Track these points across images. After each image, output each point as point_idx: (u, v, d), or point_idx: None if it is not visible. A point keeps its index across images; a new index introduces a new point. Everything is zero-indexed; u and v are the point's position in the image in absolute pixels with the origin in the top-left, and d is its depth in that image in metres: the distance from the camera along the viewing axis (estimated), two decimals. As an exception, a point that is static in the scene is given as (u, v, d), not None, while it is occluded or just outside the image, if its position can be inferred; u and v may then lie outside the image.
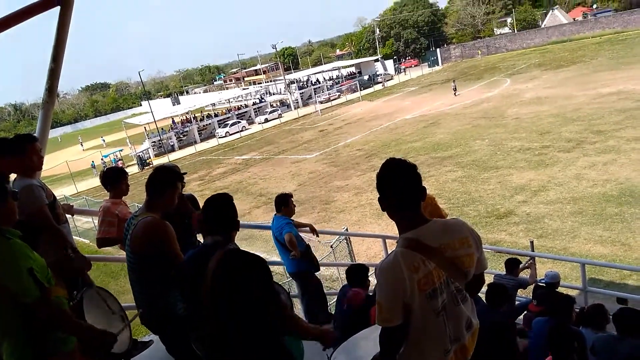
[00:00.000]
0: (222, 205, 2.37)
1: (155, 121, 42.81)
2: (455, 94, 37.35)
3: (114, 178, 4.06)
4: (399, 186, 2.00)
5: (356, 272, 4.45)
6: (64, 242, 3.18)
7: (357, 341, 2.83)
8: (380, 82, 58.15)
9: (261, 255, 2.29)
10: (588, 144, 18.25)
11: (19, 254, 2.03)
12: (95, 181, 35.53)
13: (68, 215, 3.85)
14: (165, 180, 2.92)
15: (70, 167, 35.56)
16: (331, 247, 9.57)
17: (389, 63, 66.84)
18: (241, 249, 2.33)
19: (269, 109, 50.55)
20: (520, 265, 6.56)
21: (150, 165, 36.22)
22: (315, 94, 54.56)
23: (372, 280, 5.03)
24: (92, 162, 39.52)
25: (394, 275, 1.91)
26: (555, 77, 35.82)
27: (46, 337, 2.12)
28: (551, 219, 12.75)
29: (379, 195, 2.07)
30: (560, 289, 5.88)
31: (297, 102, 53.46)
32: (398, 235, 2.06)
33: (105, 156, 40.78)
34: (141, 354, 3.65)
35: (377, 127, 32.04)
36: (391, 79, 60.85)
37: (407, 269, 1.90)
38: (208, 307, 2.18)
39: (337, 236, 9.69)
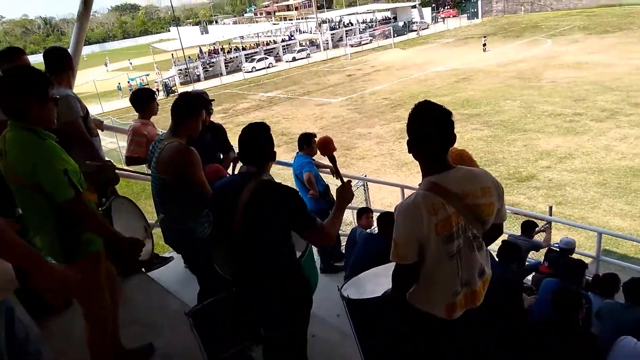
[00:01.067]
0: (259, 134, 2.34)
1: (182, 49, 42.35)
2: (484, 49, 36.03)
3: (144, 98, 4.08)
4: (430, 129, 1.99)
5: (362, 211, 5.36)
6: (96, 154, 3.26)
7: (368, 277, 2.91)
8: (415, 30, 55.95)
9: None
10: (623, 116, 17.62)
11: (54, 154, 2.07)
12: (121, 103, 35.85)
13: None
14: (190, 107, 2.93)
15: (97, 87, 35.79)
16: (348, 191, 9.63)
17: (427, 11, 63.91)
18: (274, 180, 2.34)
19: (298, 48, 49.47)
20: (536, 229, 6.56)
21: (176, 93, 36.24)
22: (346, 36, 52.96)
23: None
24: (119, 84, 39.66)
25: (413, 215, 1.94)
26: (598, 42, 34.07)
27: (76, 238, 2.20)
28: (573, 187, 12.57)
29: (407, 138, 2.06)
30: (573, 256, 5.88)
31: (327, 43, 52.12)
32: (417, 186, 2.07)
33: (132, 79, 40.81)
34: (161, 268, 3.83)
35: (407, 77, 31.26)
36: (427, 27, 58.38)
37: (426, 210, 1.92)
38: (238, 235, 2.24)
39: (356, 182, 9.73)
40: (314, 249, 5.39)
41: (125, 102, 35.64)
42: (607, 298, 4.15)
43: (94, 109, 31.94)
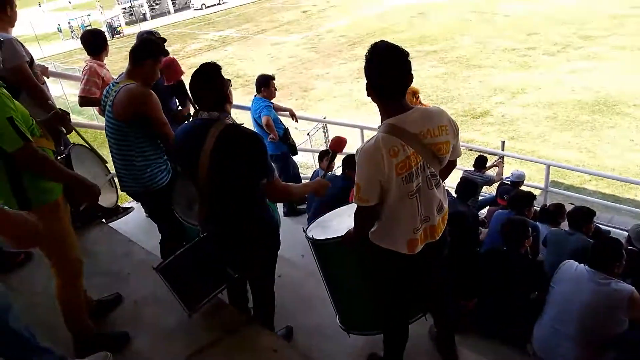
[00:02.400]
0: (212, 76, 2.24)
1: (125, -15, 39.59)
2: None
3: (97, 38, 3.93)
4: (388, 71, 1.98)
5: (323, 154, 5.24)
6: (46, 100, 3.11)
7: (332, 217, 2.99)
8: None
9: None
10: (573, 49, 18.04)
11: None
12: (62, 46, 33.60)
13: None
14: (150, 49, 2.85)
15: (34, 29, 33.23)
16: (308, 134, 9.64)
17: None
18: (238, 124, 2.29)
19: (250, -17, 47.11)
20: (488, 163, 6.83)
21: (121, 34, 34.15)
22: (300, -30, 50.71)
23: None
24: (59, 25, 36.94)
25: (374, 158, 1.97)
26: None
27: (30, 187, 2.10)
28: (525, 122, 13.00)
29: (366, 81, 2.06)
30: (523, 188, 6.20)
31: (281, -22, 49.84)
32: (377, 127, 2.09)
33: (73, 19, 37.96)
34: (122, 218, 3.79)
35: (364, 12, 30.54)
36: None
37: (386, 153, 1.95)
38: (204, 179, 2.23)
39: (315, 124, 9.71)
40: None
41: (67, 45, 33.42)
42: (553, 226, 4.45)
43: (34, 53, 29.78)
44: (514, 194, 5.12)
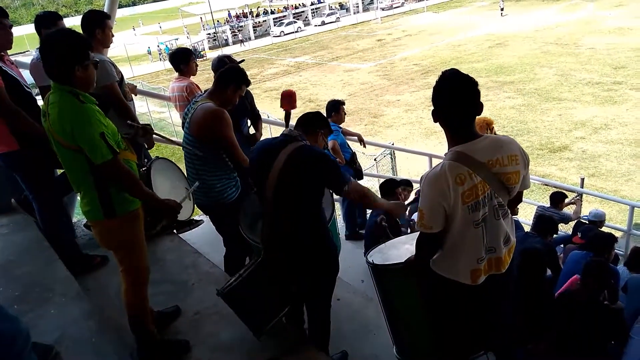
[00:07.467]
0: (318, 116, 2.57)
1: (211, 12, 42.09)
2: (501, 14, 35.05)
3: (187, 56, 4.34)
4: (455, 99, 1.97)
5: (387, 185, 4.94)
6: (132, 117, 3.35)
7: (393, 244, 2.95)
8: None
9: None
10: (666, 85, 16.84)
11: (92, 118, 2.12)
12: (150, 67, 36.11)
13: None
14: (232, 78, 3.01)
15: (127, 50, 36.04)
16: (375, 160, 9.63)
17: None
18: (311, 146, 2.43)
19: (327, 11, 48.48)
20: (566, 200, 6.45)
21: (204, 57, 36.23)
22: (377, -1, 51.63)
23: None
24: (149, 47, 39.85)
25: (439, 185, 1.95)
26: (646, 5, 32.23)
27: (115, 195, 2.27)
28: (608, 159, 12.22)
29: (432, 108, 2.05)
30: (603, 229, 5.79)
31: (357, 7, 50.83)
32: (444, 155, 2.06)
33: (162, 43, 40.88)
34: (191, 231, 3.95)
35: (439, 42, 30.38)
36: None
37: (452, 180, 1.93)
38: (270, 196, 2.32)
39: (382, 150, 9.68)
40: (338, 217, 5.44)
41: (155, 66, 35.94)
42: (634, 272, 4.10)
43: (125, 73, 32.20)
44: (593, 234, 4.79)
